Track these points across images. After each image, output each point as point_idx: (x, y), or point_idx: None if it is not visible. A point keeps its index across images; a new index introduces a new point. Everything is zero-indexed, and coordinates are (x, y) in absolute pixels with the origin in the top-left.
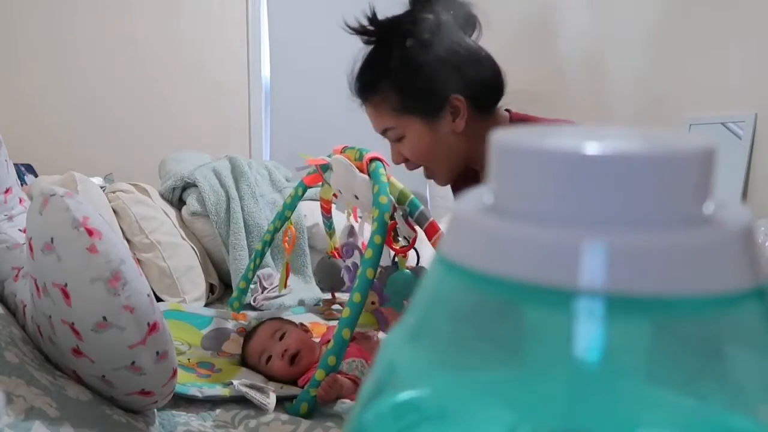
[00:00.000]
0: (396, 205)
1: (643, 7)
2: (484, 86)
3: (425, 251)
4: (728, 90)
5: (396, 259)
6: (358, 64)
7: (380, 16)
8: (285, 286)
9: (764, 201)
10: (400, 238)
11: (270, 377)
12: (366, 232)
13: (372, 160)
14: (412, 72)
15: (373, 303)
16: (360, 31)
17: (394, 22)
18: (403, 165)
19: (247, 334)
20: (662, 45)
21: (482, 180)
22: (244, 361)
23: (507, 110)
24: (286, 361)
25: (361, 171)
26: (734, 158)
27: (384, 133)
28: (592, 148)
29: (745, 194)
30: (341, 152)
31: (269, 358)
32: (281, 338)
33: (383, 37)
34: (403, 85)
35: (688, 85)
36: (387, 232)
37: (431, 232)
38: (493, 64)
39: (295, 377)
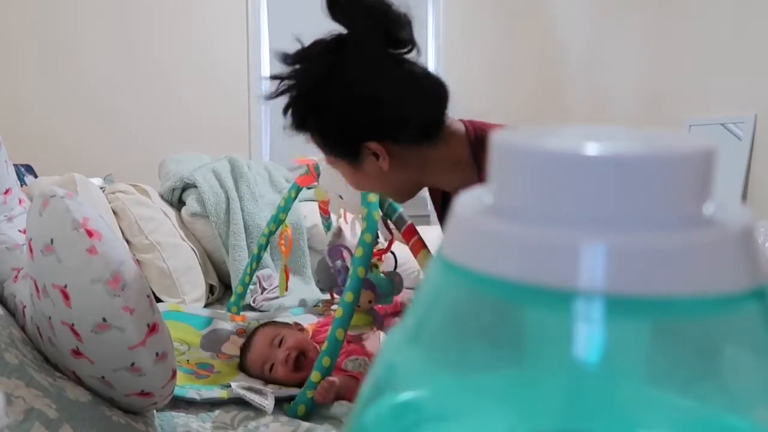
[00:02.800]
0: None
1: (642, 8)
2: (406, 124)
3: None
4: (728, 91)
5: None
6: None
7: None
8: (286, 290)
9: (764, 202)
10: (378, 240)
11: (271, 382)
12: (358, 231)
13: None
14: (322, 121)
15: (369, 302)
16: (275, 78)
17: (305, 66)
18: None
19: (243, 346)
20: (662, 46)
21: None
22: (244, 369)
23: (463, 121)
24: (290, 366)
25: None
26: (734, 159)
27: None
28: (591, 148)
29: (744, 195)
30: None
31: (272, 366)
32: (280, 344)
33: (294, 80)
34: (318, 132)
35: (688, 86)
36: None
37: (408, 235)
38: (420, 91)
39: (301, 382)
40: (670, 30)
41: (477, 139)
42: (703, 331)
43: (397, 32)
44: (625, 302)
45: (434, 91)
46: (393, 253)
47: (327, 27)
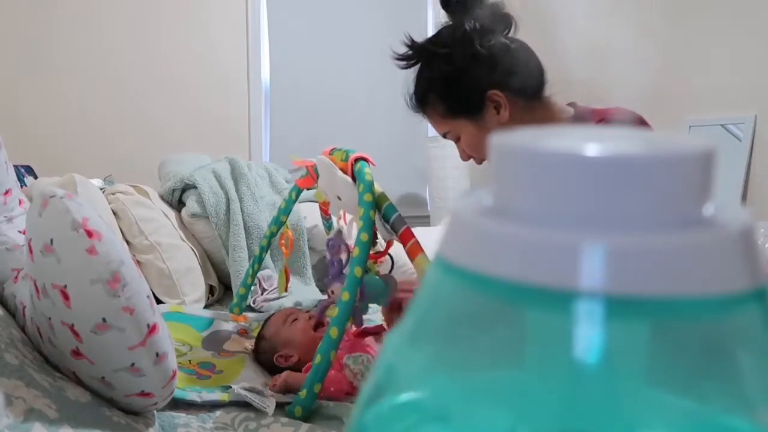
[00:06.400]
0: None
1: (643, 9)
2: (519, 76)
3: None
4: (728, 92)
5: (367, 265)
6: (411, 83)
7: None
8: (285, 290)
9: (764, 202)
10: (377, 242)
11: (286, 343)
12: (354, 233)
13: (357, 160)
14: (448, 80)
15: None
16: (402, 58)
17: (428, 41)
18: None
19: (260, 329)
20: (662, 46)
21: None
22: (257, 341)
23: (571, 104)
24: (311, 324)
25: (345, 171)
26: (734, 160)
27: (444, 136)
28: (591, 149)
29: (744, 196)
30: (329, 154)
31: (295, 319)
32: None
33: (420, 57)
34: (443, 94)
35: (688, 86)
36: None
37: (405, 238)
38: (526, 55)
39: (309, 346)
40: (670, 30)
41: (580, 112)
42: (703, 332)
43: (499, 17)
44: (625, 303)
45: (533, 54)
46: (390, 255)
47: (327, 28)
